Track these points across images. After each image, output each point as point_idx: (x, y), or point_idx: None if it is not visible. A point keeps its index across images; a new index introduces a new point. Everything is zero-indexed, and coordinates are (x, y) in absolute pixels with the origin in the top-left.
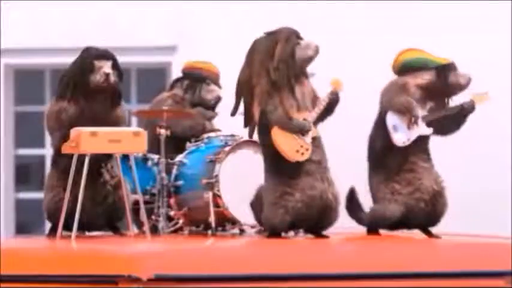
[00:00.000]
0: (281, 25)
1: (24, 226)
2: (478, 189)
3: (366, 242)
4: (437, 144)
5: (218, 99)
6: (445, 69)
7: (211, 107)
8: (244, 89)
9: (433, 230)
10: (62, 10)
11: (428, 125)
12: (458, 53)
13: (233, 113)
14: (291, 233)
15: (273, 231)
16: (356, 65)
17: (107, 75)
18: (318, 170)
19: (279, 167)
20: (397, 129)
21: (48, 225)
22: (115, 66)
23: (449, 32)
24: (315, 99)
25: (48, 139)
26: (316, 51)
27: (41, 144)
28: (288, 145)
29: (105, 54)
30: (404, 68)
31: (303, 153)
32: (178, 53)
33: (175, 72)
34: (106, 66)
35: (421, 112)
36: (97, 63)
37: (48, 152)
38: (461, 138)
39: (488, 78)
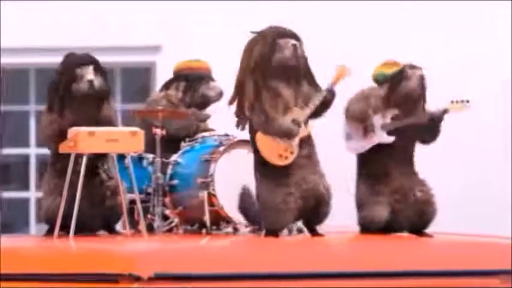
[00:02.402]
0: (267, 24)
1: (8, 226)
2: (478, 191)
3: (362, 240)
4: (437, 146)
5: (221, 94)
6: (394, 81)
7: (212, 103)
8: (238, 88)
9: (432, 230)
10: (46, 10)
11: (390, 133)
12: (458, 54)
13: (230, 103)
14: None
15: (272, 229)
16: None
17: (91, 82)
18: (308, 164)
19: (270, 169)
20: (351, 137)
21: (33, 225)
22: (97, 69)
23: (449, 33)
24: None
25: (32, 138)
26: (293, 50)
27: (26, 144)
28: (270, 150)
29: (86, 60)
30: (375, 81)
31: (286, 157)
32: (163, 52)
33: (160, 72)
34: (88, 73)
35: (380, 121)
36: (79, 71)
37: (32, 151)
38: (461, 140)
39: (488, 81)
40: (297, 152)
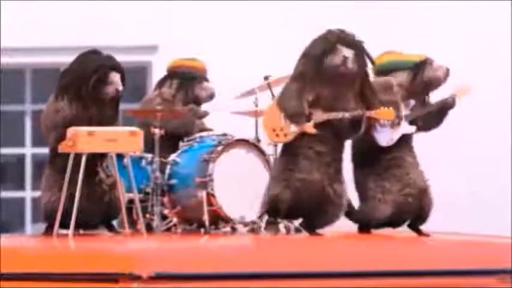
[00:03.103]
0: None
1: (3, 225)
2: (477, 190)
3: (360, 240)
4: (437, 145)
5: (212, 96)
6: (420, 66)
7: (203, 103)
8: None
9: (431, 229)
10: (42, 10)
11: (411, 123)
12: (457, 54)
13: None
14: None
15: (274, 206)
16: None
17: (118, 91)
18: (317, 160)
19: (283, 146)
20: (381, 129)
21: (29, 224)
22: (122, 77)
23: (449, 34)
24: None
25: (28, 138)
26: (342, 60)
27: (21, 144)
28: (269, 122)
29: (116, 66)
30: (382, 71)
31: (277, 135)
32: (159, 52)
33: (156, 72)
34: (118, 81)
35: (403, 111)
36: (111, 75)
37: (28, 151)
38: (460, 141)
39: (488, 79)
40: (291, 137)
